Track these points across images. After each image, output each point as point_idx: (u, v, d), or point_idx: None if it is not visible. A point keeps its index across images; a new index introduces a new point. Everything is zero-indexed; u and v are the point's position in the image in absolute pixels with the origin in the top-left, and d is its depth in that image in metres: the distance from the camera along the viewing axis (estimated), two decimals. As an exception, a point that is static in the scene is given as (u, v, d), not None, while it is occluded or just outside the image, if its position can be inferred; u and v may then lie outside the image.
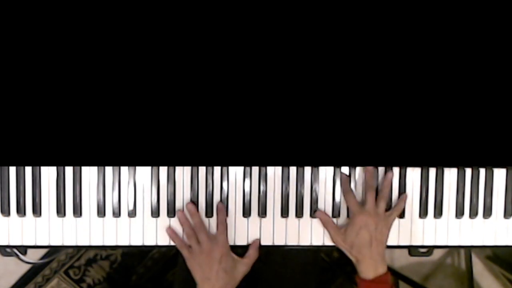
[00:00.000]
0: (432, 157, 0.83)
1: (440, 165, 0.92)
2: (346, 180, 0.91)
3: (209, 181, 0.91)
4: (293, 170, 0.92)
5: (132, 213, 0.90)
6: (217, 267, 0.85)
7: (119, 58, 0.78)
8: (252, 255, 0.90)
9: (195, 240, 0.88)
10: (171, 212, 0.91)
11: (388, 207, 0.91)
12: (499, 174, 0.95)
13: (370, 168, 0.91)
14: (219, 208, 0.90)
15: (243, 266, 0.88)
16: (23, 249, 0.92)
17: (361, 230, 0.85)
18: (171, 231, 0.90)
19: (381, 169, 0.93)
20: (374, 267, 0.85)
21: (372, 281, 0.84)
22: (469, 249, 1.57)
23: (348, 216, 0.92)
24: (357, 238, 0.85)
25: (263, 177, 0.91)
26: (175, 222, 0.91)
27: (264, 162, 0.86)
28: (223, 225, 0.89)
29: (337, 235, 0.88)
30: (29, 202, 0.90)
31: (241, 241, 0.92)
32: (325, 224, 0.90)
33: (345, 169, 0.92)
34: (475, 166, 0.94)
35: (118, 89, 0.79)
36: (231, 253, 0.88)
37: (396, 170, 0.93)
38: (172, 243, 0.91)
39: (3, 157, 0.79)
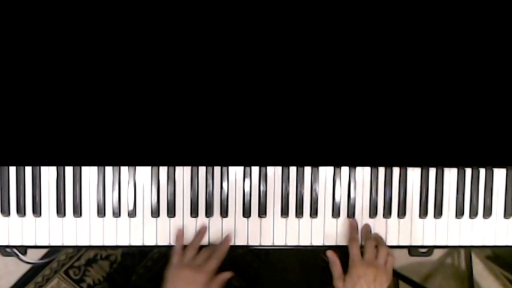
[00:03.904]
0: (432, 157, 0.83)
1: (440, 165, 0.92)
2: (354, 228, 0.91)
3: (209, 181, 0.91)
4: (293, 170, 0.92)
5: (132, 213, 0.90)
6: None
7: (119, 59, 0.78)
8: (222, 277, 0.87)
9: (193, 253, 0.87)
10: (171, 212, 0.90)
11: None
12: (499, 174, 0.95)
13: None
14: (226, 239, 0.90)
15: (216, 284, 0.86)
16: (23, 249, 0.92)
17: (359, 280, 0.84)
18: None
19: (381, 170, 0.93)
20: None
21: None
22: (469, 249, 1.56)
23: (348, 216, 0.92)
24: None
25: (263, 177, 0.91)
26: (174, 222, 0.91)
27: (264, 162, 0.86)
28: (220, 254, 0.87)
29: (339, 280, 0.87)
30: (29, 202, 0.90)
31: (241, 241, 0.92)
32: (332, 265, 0.89)
33: (345, 169, 0.92)
34: (475, 166, 0.94)
35: (118, 89, 0.79)
36: (214, 282, 0.86)
37: (396, 170, 0.93)
38: (173, 243, 0.91)
39: (3, 157, 0.79)
